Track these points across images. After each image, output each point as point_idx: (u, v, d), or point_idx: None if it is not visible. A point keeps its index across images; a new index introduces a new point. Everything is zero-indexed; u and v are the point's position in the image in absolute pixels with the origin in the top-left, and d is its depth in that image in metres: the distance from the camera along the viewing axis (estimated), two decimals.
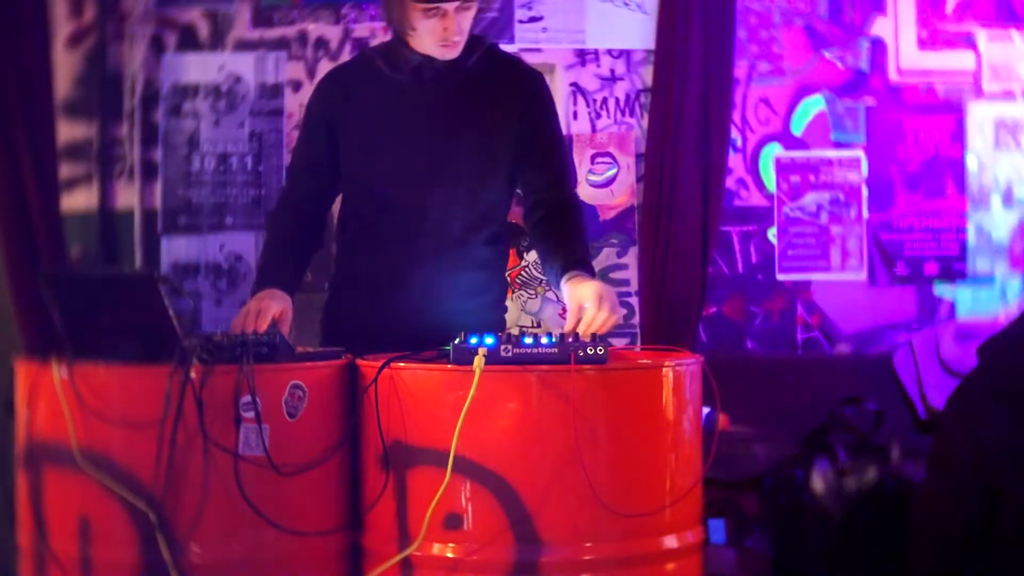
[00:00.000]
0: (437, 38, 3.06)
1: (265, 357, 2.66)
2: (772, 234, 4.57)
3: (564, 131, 4.43)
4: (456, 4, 3.02)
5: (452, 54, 3.10)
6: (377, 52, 3.23)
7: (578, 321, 2.83)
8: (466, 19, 3.07)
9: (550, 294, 4.43)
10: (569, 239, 3.12)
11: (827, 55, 4.60)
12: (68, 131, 4.38)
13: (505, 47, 4.25)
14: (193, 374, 2.58)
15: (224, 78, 4.45)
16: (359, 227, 3.23)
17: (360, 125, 3.17)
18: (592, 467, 2.56)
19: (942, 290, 4.61)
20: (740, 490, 3.95)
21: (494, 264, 3.28)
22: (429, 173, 3.15)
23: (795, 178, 4.58)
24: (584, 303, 2.86)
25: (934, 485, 3.20)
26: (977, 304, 4.61)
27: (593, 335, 2.68)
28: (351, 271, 3.28)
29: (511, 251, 4.40)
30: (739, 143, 4.55)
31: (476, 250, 3.21)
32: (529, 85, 3.22)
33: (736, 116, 4.48)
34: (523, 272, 4.42)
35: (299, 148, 3.32)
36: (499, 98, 3.18)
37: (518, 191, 3.25)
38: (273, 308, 3.00)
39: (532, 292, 4.44)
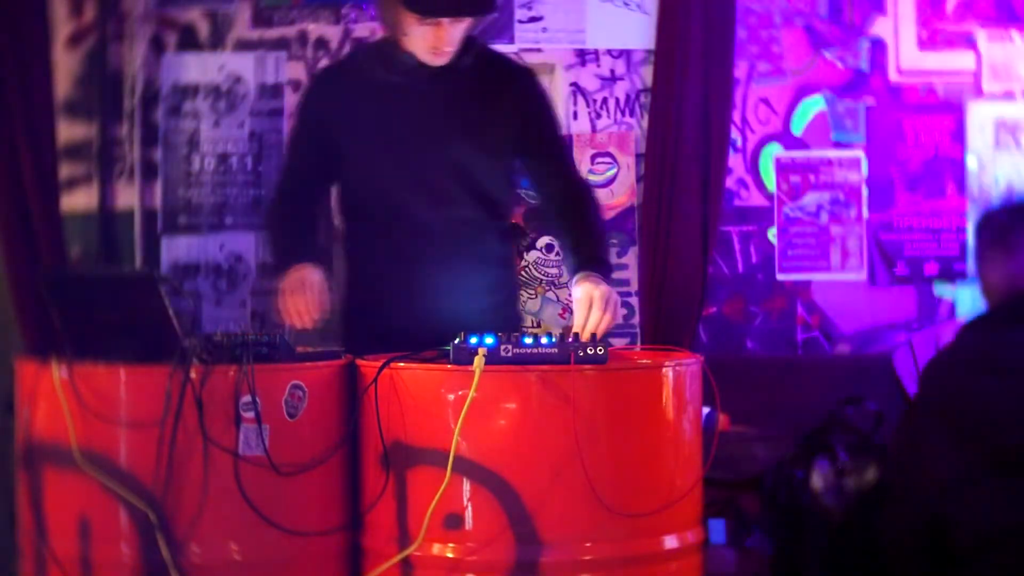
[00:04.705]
0: (428, 46, 3.06)
1: (265, 357, 2.66)
2: (772, 234, 4.57)
3: (564, 131, 4.46)
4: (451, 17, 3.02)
5: (441, 62, 3.10)
6: (370, 51, 3.23)
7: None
8: (459, 30, 3.07)
9: (550, 294, 4.43)
10: (582, 236, 3.13)
11: (827, 55, 4.59)
12: (68, 131, 4.37)
13: (505, 47, 4.26)
14: (193, 374, 2.58)
15: (224, 78, 4.45)
16: (369, 229, 3.22)
17: (358, 127, 3.17)
18: (592, 467, 2.56)
19: (942, 290, 4.61)
20: (740, 490, 3.94)
21: (506, 261, 3.29)
22: (433, 173, 3.15)
23: (795, 178, 4.57)
24: (578, 307, 2.88)
25: (888, 518, 3.13)
26: (977, 304, 4.60)
27: (593, 335, 2.68)
28: (364, 273, 3.26)
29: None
30: (739, 143, 4.54)
31: (488, 248, 3.21)
32: (522, 82, 3.24)
33: (736, 116, 4.48)
34: (523, 272, 4.42)
35: (293, 147, 3.32)
36: (495, 96, 3.20)
37: (526, 190, 3.25)
38: (313, 277, 2.97)
39: (532, 292, 4.44)
